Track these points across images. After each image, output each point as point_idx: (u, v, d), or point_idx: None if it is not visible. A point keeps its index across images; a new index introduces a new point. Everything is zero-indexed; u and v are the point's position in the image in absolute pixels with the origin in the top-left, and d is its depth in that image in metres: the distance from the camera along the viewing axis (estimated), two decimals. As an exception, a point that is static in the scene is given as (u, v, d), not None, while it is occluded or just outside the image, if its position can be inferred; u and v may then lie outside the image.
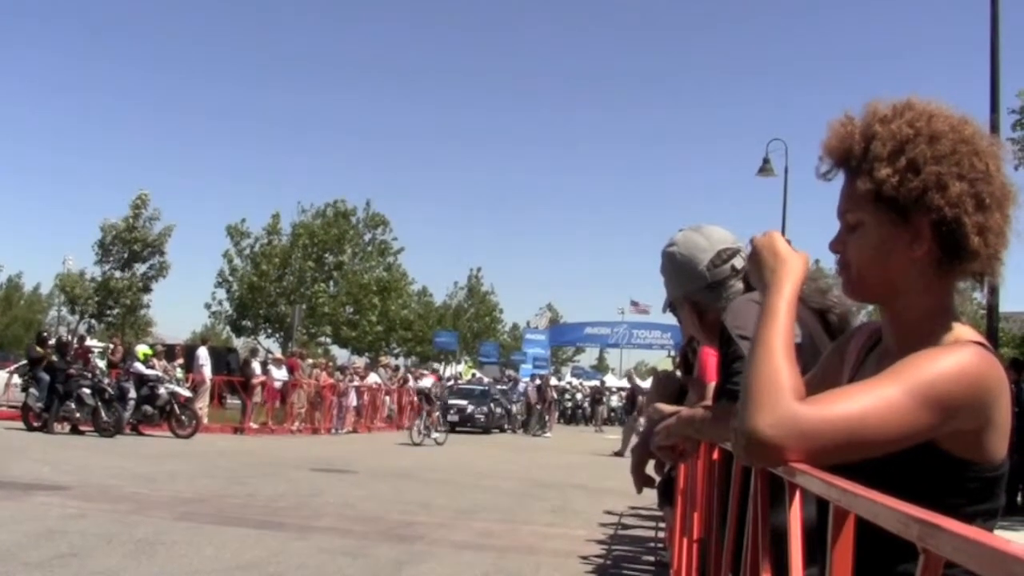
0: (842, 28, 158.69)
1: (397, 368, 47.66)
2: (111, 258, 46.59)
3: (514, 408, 46.10)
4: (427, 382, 37.58)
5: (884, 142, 2.02)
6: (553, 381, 63.77)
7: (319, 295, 55.67)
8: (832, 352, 2.42)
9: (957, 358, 1.91)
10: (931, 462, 1.94)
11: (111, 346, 31.20)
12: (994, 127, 16.08)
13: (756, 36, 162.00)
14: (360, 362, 47.35)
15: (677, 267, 3.71)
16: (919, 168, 1.98)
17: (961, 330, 2.04)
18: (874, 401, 1.83)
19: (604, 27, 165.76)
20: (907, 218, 2.01)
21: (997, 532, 2.03)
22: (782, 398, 1.85)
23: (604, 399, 61.49)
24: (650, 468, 3.60)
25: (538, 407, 46.28)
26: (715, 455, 3.86)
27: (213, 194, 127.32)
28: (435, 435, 31.24)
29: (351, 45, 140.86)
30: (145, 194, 47.15)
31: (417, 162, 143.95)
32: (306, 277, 56.43)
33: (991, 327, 16.95)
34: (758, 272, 2.23)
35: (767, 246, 2.24)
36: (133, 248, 46.00)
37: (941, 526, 1.27)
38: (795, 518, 1.94)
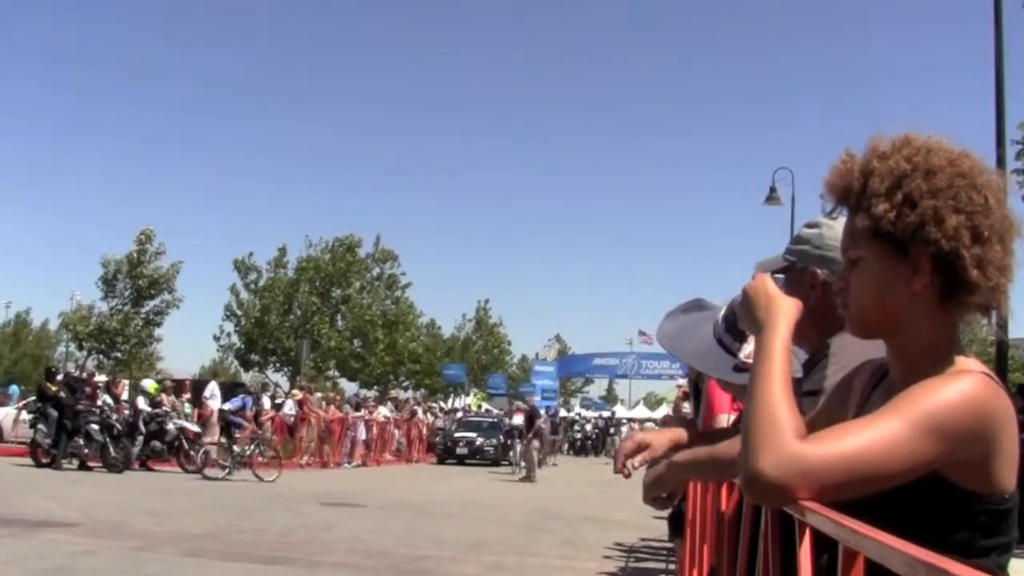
0: (849, 57, 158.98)
1: (406, 401, 47.65)
2: (116, 294, 46.65)
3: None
4: (518, 419, 38.44)
5: (882, 178, 2.03)
6: (562, 412, 63.72)
7: (321, 330, 55.67)
8: (836, 389, 2.42)
9: (960, 387, 1.90)
10: (940, 495, 1.93)
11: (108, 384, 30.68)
12: (1000, 161, 16.08)
13: (762, 65, 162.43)
14: (371, 395, 47.38)
15: (810, 242, 3.07)
16: (916, 202, 1.98)
17: (965, 361, 2.03)
18: (876, 435, 1.83)
19: (610, 57, 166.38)
20: (906, 253, 2.01)
21: (1013, 562, 2.03)
22: (783, 438, 1.85)
23: (615, 430, 61.47)
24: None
25: (550, 439, 46.27)
26: (724, 490, 3.84)
27: (223, 227, 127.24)
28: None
29: (358, 79, 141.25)
30: (150, 229, 47.30)
31: (424, 194, 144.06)
32: (311, 311, 56.48)
33: (1001, 357, 16.90)
34: (751, 315, 2.25)
35: (759, 289, 2.27)
36: (139, 284, 46.07)
37: (948, 570, 1.27)
38: (805, 556, 1.94)
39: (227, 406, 28.26)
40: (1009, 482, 1.97)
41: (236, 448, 25.52)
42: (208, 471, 24.51)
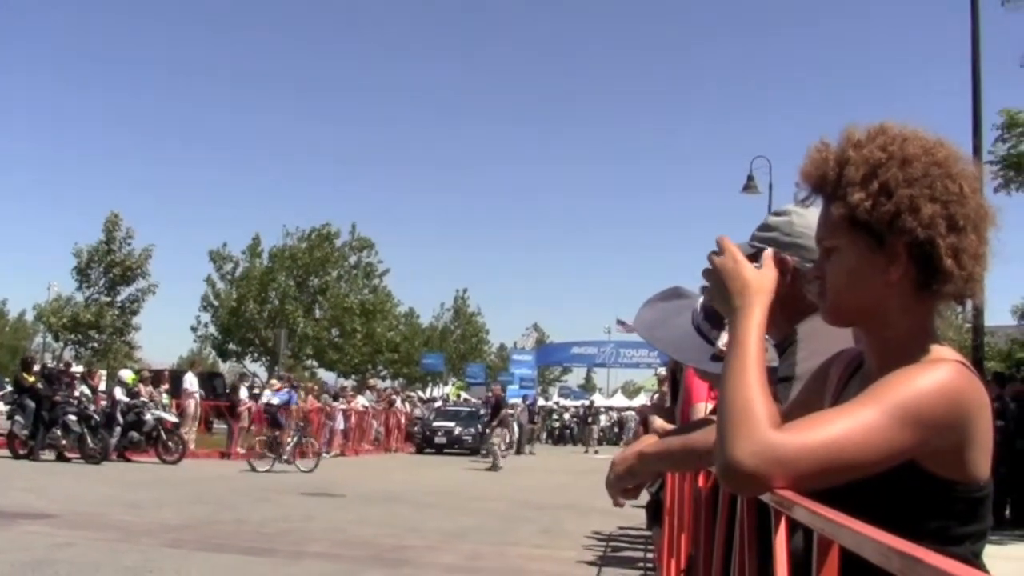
0: (826, 46, 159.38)
1: (384, 390, 47.58)
2: (91, 283, 46.26)
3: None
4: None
5: (857, 167, 2.02)
6: (540, 401, 63.74)
7: (296, 318, 55.43)
8: (812, 378, 2.41)
9: (935, 376, 1.90)
10: (915, 483, 1.93)
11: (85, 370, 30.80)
12: (976, 151, 16.14)
13: (739, 54, 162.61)
14: (349, 385, 47.32)
15: (779, 230, 3.05)
16: (891, 191, 1.98)
17: (940, 350, 2.03)
18: (852, 424, 1.83)
19: (587, 48, 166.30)
20: (882, 242, 2.01)
21: (988, 547, 2.03)
22: (758, 427, 1.85)
23: (593, 419, 61.60)
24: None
25: (529, 427, 46.33)
26: (701, 478, 3.85)
27: (200, 218, 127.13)
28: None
29: (334, 69, 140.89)
30: (116, 214, 46.77)
31: (402, 184, 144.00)
32: (287, 297, 56.28)
33: (977, 345, 16.96)
34: (723, 297, 2.23)
35: (730, 270, 2.23)
36: (113, 272, 45.67)
37: (922, 559, 1.27)
38: (780, 545, 1.95)
39: (275, 400, 29.49)
40: (984, 470, 1.98)
41: (283, 440, 26.90)
42: (256, 463, 25.36)
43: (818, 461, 1.81)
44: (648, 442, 2.90)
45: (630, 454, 2.87)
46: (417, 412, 46.02)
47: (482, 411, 41.38)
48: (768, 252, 2.30)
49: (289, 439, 27.02)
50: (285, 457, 26.16)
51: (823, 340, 2.51)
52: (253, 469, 24.87)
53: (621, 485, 2.91)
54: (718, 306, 2.29)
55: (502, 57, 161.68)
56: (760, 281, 2.19)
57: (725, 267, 2.24)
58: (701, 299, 3.33)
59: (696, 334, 3.33)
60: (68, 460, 23.45)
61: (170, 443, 25.58)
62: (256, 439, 27.77)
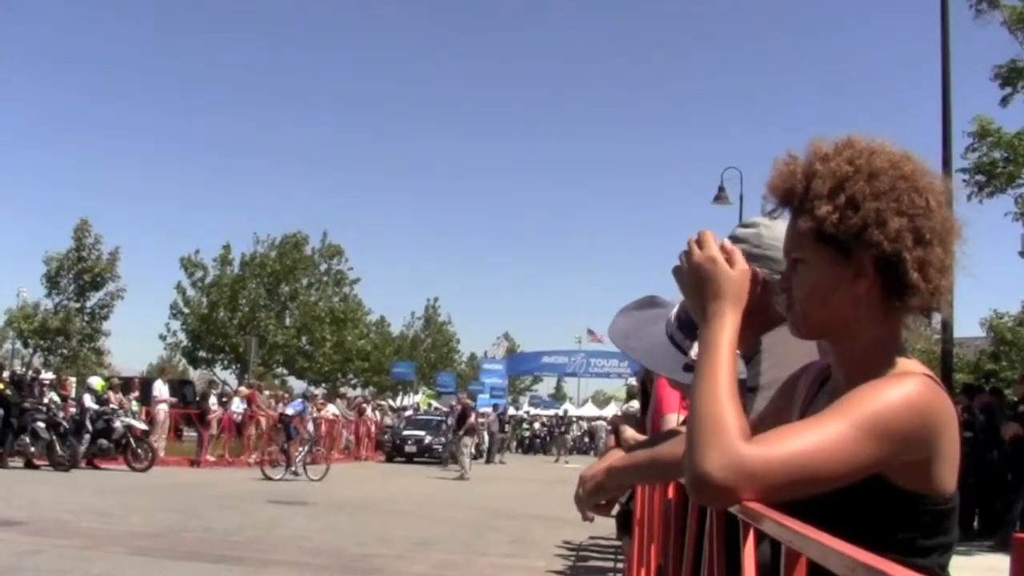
0: (797, 58, 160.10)
1: (355, 398, 47.51)
2: (60, 290, 46.15)
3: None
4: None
5: (824, 180, 2.02)
6: (511, 411, 63.75)
7: (267, 325, 55.29)
8: (782, 391, 2.41)
9: (902, 389, 1.91)
10: (882, 496, 1.94)
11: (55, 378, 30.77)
12: (946, 163, 16.24)
13: (712, 66, 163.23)
14: (319, 393, 47.26)
15: (747, 242, 3.01)
16: (858, 205, 1.98)
17: (907, 363, 2.03)
18: (820, 437, 1.83)
19: (557, 59, 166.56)
20: (849, 255, 2.01)
21: (955, 559, 2.04)
22: (727, 439, 1.84)
23: (566, 429, 61.76)
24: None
25: (499, 436, 46.37)
26: (671, 490, 3.84)
27: (169, 225, 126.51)
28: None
29: (305, 76, 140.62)
30: (85, 220, 46.68)
31: (375, 192, 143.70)
32: (259, 304, 56.12)
33: (945, 358, 17.04)
34: (696, 299, 2.22)
35: (708, 272, 2.21)
36: (84, 278, 45.55)
37: (887, 572, 1.28)
38: (748, 557, 1.95)
39: (288, 410, 29.86)
40: (950, 483, 1.98)
41: (292, 451, 27.78)
42: (269, 471, 26.29)
43: (787, 474, 1.81)
44: (616, 456, 2.89)
45: (599, 470, 2.85)
46: (387, 421, 46.03)
47: (449, 420, 41.41)
48: (726, 242, 2.29)
49: (300, 449, 27.77)
50: (292, 468, 26.81)
51: (788, 350, 2.52)
52: (267, 477, 25.66)
53: (593, 501, 2.89)
54: (690, 307, 2.28)
55: (476, 68, 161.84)
56: (736, 288, 2.17)
57: (703, 267, 2.21)
58: (676, 308, 3.33)
59: (670, 344, 3.32)
60: (36, 467, 23.28)
61: (139, 451, 25.51)
62: (270, 448, 28.63)
